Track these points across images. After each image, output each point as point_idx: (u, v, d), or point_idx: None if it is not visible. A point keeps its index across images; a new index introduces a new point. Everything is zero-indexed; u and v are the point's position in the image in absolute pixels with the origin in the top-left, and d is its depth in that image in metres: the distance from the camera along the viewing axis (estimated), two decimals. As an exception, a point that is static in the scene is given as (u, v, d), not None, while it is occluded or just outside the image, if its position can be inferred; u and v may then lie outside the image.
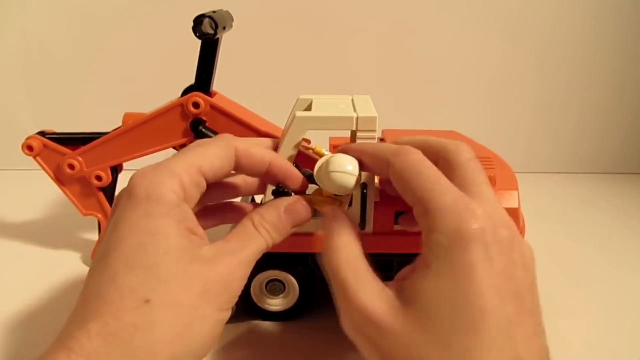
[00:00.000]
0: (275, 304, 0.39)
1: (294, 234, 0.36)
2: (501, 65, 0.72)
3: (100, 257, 0.23)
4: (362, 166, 0.30)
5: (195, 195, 0.26)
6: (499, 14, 0.70)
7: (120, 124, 0.44)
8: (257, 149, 0.29)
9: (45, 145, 0.43)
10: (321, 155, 0.32)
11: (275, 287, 0.39)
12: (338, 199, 0.32)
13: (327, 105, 0.36)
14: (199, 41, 0.41)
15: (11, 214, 0.59)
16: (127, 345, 0.21)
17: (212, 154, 0.26)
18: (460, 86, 0.73)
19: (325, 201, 0.31)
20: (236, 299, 0.25)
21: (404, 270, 0.25)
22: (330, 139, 0.45)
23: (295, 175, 0.30)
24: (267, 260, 0.37)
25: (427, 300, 0.22)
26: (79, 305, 0.23)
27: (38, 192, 0.62)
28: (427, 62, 0.72)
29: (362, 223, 0.35)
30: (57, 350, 0.21)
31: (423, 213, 0.23)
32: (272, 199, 0.30)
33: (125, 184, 0.25)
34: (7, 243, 0.52)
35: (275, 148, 0.32)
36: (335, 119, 0.34)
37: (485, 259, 0.22)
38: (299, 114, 0.34)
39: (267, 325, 0.39)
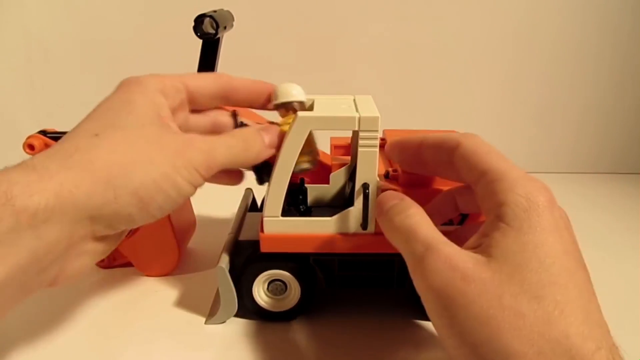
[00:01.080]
0: (277, 304, 0.39)
1: (297, 235, 0.36)
2: (502, 65, 0.72)
3: None
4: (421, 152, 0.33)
5: (174, 96, 0.30)
6: (502, 16, 0.70)
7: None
8: (244, 80, 0.35)
9: (46, 145, 0.43)
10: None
11: (277, 288, 0.39)
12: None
13: (329, 105, 0.36)
14: (200, 41, 0.41)
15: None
16: (66, 159, 0.24)
17: (198, 75, 0.33)
18: (462, 86, 0.73)
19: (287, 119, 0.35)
20: (201, 174, 0.29)
21: (472, 239, 0.26)
22: (331, 139, 0.45)
23: (258, 85, 0.36)
24: (269, 260, 0.38)
25: (513, 254, 0.24)
26: None
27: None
28: (428, 62, 0.72)
29: (365, 223, 0.35)
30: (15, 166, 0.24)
31: (497, 179, 0.26)
32: None
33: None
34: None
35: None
36: (337, 119, 0.34)
37: (556, 225, 0.25)
38: (301, 114, 0.34)
39: (268, 325, 0.39)
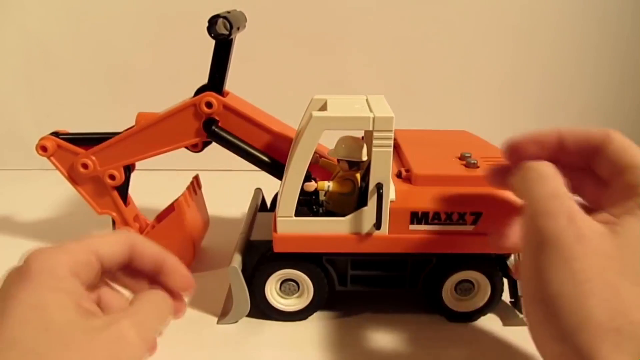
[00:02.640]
0: (289, 303, 0.39)
1: (310, 235, 0.36)
2: (502, 65, 0.73)
3: None
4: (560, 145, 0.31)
5: (88, 274, 0.26)
6: (502, 16, 0.70)
7: (122, 124, 0.44)
8: (152, 248, 0.29)
9: (59, 146, 0.43)
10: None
11: (290, 287, 0.39)
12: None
13: (343, 105, 0.36)
14: (212, 41, 0.40)
15: (12, 214, 0.59)
16: None
17: (109, 241, 0.27)
18: (462, 86, 0.73)
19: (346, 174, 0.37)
20: None
21: (602, 214, 0.27)
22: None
23: (186, 276, 0.29)
24: (282, 260, 0.38)
25: (635, 238, 0.24)
26: None
27: (39, 192, 0.62)
28: (428, 62, 0.72)
29: (378, 223, 0.36)
30: None
31: None
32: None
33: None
34: (11, 242, 0.52)
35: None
36: (352, 119, 0.34)
37: None
38: (316, 114, 0.34)
39: (280, 325, 0.39)
